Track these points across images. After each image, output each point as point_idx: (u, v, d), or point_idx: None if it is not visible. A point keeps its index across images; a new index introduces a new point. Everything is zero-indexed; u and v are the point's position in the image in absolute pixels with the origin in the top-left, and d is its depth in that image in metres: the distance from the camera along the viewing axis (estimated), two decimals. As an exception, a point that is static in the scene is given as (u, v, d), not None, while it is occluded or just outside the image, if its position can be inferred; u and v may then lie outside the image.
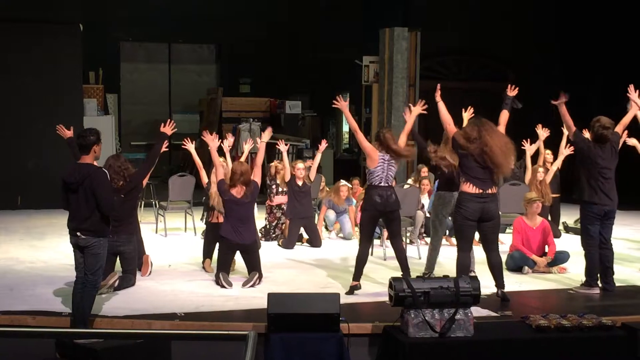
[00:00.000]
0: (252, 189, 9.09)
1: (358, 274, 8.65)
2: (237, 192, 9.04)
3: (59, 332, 6.94)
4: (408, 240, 11.19)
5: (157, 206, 12.59)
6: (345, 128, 20.02)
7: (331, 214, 12.21)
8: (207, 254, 9.81)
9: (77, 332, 6.81)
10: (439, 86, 8.67)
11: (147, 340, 6.90)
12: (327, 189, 13.06)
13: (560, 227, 12.71)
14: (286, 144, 11.50)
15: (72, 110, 14.99)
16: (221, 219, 9.37)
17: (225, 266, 9.03)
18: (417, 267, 9.74)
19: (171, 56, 21.90)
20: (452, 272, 7.99)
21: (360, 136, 8.86)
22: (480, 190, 8.04)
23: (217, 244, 9.51)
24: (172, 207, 12.35)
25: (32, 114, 14.76)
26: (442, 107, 8.44)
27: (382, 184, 8.56)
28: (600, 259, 8.76)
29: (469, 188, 8.07)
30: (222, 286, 8.83)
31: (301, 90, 20.31)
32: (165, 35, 20.93)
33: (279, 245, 11.46)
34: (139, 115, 21.29)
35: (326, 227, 12.40)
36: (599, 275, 8.80)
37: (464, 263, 8.11)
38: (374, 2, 18.70)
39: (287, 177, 11.37)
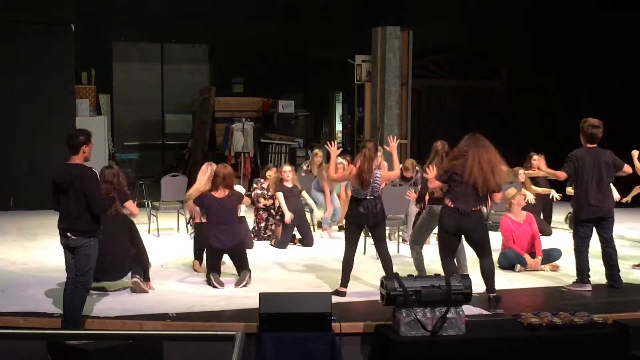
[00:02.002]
0: (236, 195, 9.14)
1: (345, 280, 8.58)
2: (219, 194, 9.05)
3: (50, 333, 6.93)
4: (401, 239, 11.20)
5: (150, 206, 12.57)
6: (339, 127, 20.00)
7: (320, 197, 12.17)
8: (198, 255, 9.81)
9: (68, 333, 6.79)
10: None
11: (139, 340, 6.89)
12: (324, 164, 13.06)
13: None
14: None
15: (64, 111, 14.96)
16: (204, 219, 9.42)
17: (214, 268, 9.03)
18: (409, 266, 9.74)
19: (164, 56, 21.82)
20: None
21: (338, 179, 8.86)
22: (461, 207, 8.02)
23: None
24: (164, 207, 12.34)
25: (24, 115, 14.71)
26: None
27: (368, 197, 8.52)
28: (603, 257, 8.90)
29: (449, 203, 8.09)
30: (214, 286, 8.82)
31: (294, 90, 20.29)
32: (157, 35, 20.86)
33: (271, 245, 11.46)
34: (131, 116, 21.23)
35: (311, 212, 12.31)
36: (607, 273, 8.91)
37: (449, 270, 8.02)
38: (367, 1, 18.70)
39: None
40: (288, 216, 11.18)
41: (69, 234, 7.15)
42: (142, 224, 12.33)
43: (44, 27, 14.84)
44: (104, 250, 7.71)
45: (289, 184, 11.47)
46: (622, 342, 7.32)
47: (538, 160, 12.15)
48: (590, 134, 8.74)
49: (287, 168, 11.65)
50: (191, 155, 18.90)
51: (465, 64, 19.29)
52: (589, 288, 8.77)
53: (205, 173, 9.88)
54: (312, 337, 7.05)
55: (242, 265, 9.09)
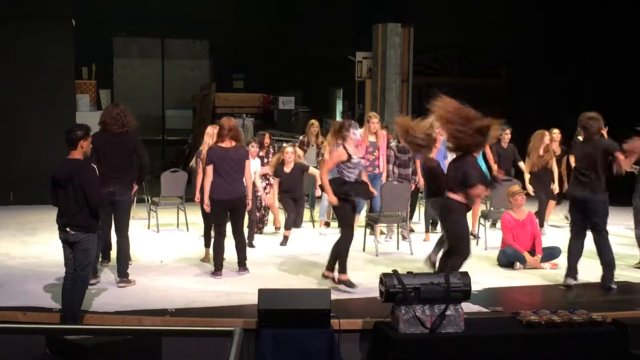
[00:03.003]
0: (243, 149, 9.18)
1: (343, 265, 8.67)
2: (226, 144, 9.07)
3: (49, 328, 6.93)
4: (400, 237, 11.19)
5: (150, 202, 12.57)
6: (339, 124, 20.00)
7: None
8: (207, 241, 9.96)
9: (67, 328, 6.80)
10: None
11: (138, 336, 6.90)
12: (320, 135, 12.95)
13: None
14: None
15: (64, 106, 14.92)
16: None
17: (220, 227, 9.07)
18: (409, 263, 9.75)
19: (164, 52, 21.85)
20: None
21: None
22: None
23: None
24: (164, 202, 12.32)
25: (24, 110, 14.69)
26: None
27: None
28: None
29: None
30: (214, 270, 8.98)
31: (294, 86, 20.29)
32: (158, 30, 20.89)
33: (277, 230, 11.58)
34: (131, 111, 21.24)
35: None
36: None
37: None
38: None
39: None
40: (276, 204, 11.15)
41: (67, 229, 7.16)
42: (141, 219, 12.39)
43: (45, 22, 14.81)
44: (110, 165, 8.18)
45: (288, 169, 11.36)
46: (621, 341, 7.32)
47: (558, 134, 12.34)
48: (585, 126, 8.82)
49: (289, 149, 11.45)
50: (191, 151, 18.90)
51: (466, 62, 19.31)
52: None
53: (212, 136, 9.99)
54: (311, 333, 7.06)
55: (238, 230, 9.16)
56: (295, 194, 11.43)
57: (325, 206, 12.23)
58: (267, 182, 11.58)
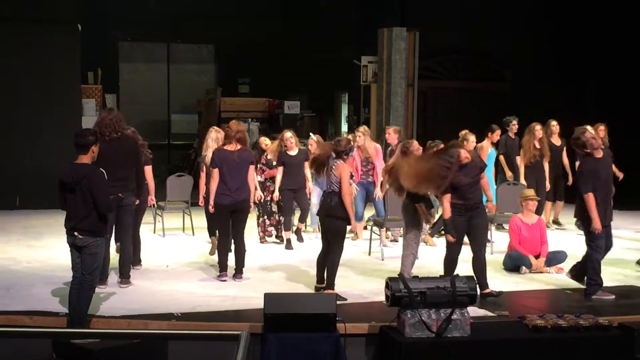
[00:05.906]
0: (248, 152, 9.16)
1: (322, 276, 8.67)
2: (231, 147, 9.06)
3: (55, 332, 6.94)
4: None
5: (155, 206, 12.56)
6: (344, 128, 20.00)
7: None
8: (211, 231, 10.13)
9: (74, 332, 6.80)
10: None
11: (144, 340, 6.90)
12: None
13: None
14: None
15: (70, 111, 14.96)
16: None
17: (225, 231, 9.09)
18: (414, 268, 9.72)
19: (170, 56, 21.87)
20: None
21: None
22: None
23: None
24: (170, 207, 12.34)
25: (30, 114, 14.72)
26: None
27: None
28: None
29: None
30: (221, 271, 9.05)
31: (300, 91, 20.29)
32: (163, 35, 20.91)
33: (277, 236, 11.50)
34: (137, 116, 21.12)
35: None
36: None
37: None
38: (372, 1, 18.70)
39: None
40: (276, 194, 11.11)
41: (75, 233, 7.16)
42: (147, 224, 12.37)
43: (51, 27, 14.85)
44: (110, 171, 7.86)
45: (293, 152, 11.22)
46: (627, 345, 7.30)
47: (556, 126, 12.56)
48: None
49: (289, 134, 11.30)
50: (197, 156, 18.93)
51: (470, 66, 19.32)
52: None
53: (215, 140, 10.07)
54: (316, 337, 7.06)
55: (239, 235, 9.12)
56: (296, 182, 11.20)
57: (315, 214, 12.15)
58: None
